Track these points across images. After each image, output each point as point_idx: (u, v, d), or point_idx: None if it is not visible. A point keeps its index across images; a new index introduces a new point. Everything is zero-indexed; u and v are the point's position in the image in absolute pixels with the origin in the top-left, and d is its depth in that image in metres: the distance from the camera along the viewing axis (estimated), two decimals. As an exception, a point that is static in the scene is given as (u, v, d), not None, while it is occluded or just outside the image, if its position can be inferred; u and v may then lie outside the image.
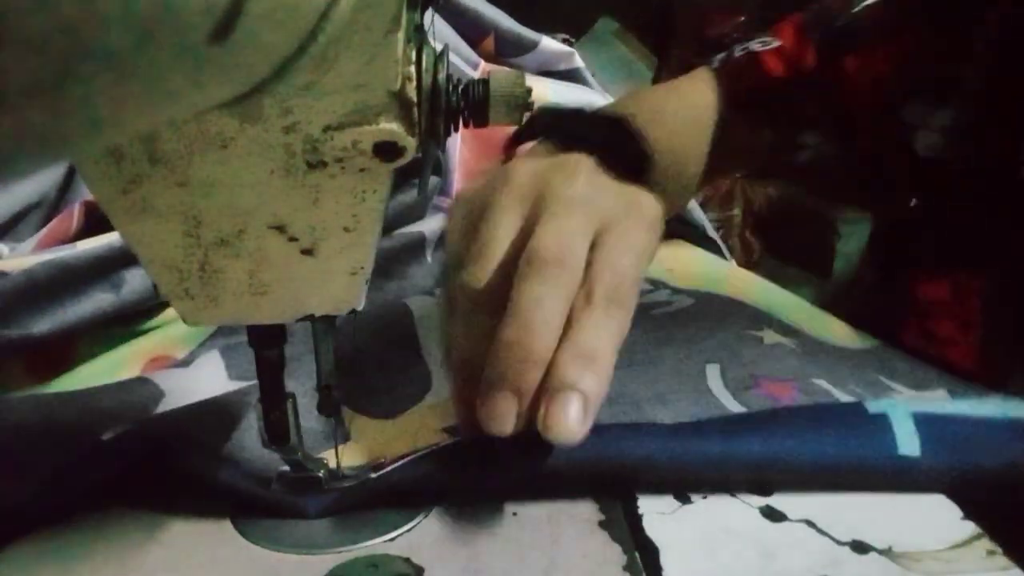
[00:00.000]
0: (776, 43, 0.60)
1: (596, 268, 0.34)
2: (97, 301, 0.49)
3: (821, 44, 0.59)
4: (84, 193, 0.62)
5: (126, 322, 0.51)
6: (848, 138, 0.62)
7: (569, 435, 0.31)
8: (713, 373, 0.43)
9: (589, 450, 0.33)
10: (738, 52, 0.61)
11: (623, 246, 0.35)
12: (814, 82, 0.59)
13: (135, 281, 0.50)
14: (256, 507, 0.34)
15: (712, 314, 0.51)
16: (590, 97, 0.81)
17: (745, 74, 0.61)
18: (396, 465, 0.35)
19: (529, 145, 0.46)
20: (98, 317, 0.49)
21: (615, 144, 0.45)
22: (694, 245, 0.67)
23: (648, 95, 0.63)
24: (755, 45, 0.61)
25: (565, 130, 0.45)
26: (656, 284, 0.56)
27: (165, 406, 0.41)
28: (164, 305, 0.52)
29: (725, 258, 0.71)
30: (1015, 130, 0.50)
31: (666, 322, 0.50)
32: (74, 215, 0.56)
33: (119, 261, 0.49)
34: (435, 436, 0.38)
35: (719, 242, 0.73)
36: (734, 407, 0.40)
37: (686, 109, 0.60)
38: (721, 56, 0.63)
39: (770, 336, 0.48)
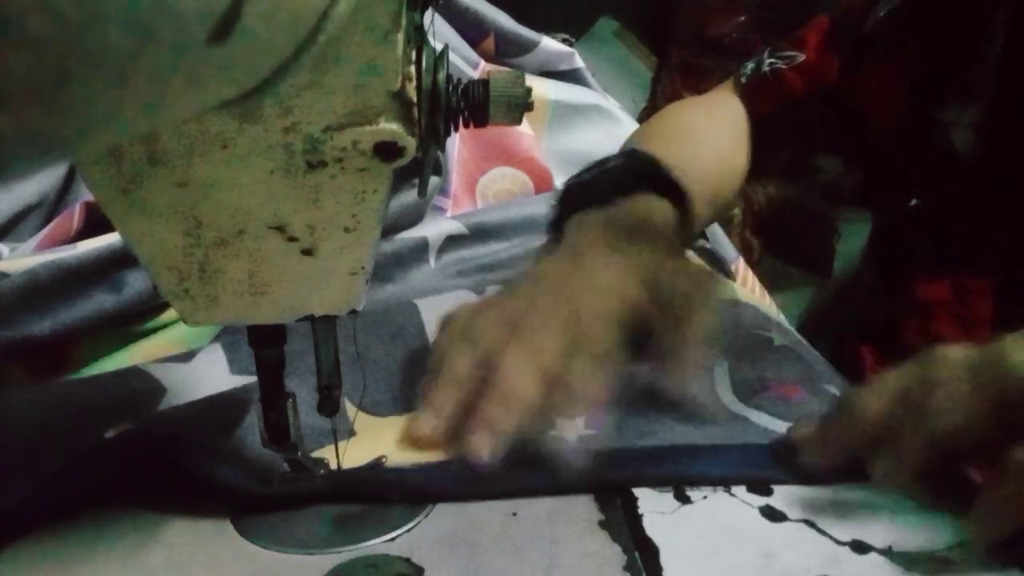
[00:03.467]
0: (800, 58, 0.62)
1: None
2: (98, 302, 0.49)
3: (846, 54, 0.60)
4: (85, 193, 0.62)
5: (127, 323, 0.51)
6: (868, 155, 0.62)
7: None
8: (720, 373, 0.43)
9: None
10: (765, 67, 0.63)
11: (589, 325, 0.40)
12: (835, 96, 0.60)
13: (136, 282, 0.50)
14: (257, 506, 0.34)
15: (721, 315, 0.51)
16: (590, 97, 0.81)
17: (768, 93, 0.63)
18: (397, 471, 0.36)
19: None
20: (99, 318, 0.49)
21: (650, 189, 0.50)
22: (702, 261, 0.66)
23: (678, 117, 0.66)
24: (779, 62, 0.63)
25: (597, 198, 0.50)
26: None
27: (167, 403, 0.41)
28: (165, 306, 0.52)
29: (730, 259, 0.70)
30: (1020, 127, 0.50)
31: None
32: (74, 216, 0.55)
33: (120, 262, 0.49)
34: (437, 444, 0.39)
35: (725, 241, 0.73)
36: (740, 411, 0.40)
37: (718, 127, 0.64)
38: (751, 67, 0.65)
39: (779, 338, 0.48)
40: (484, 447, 0.35)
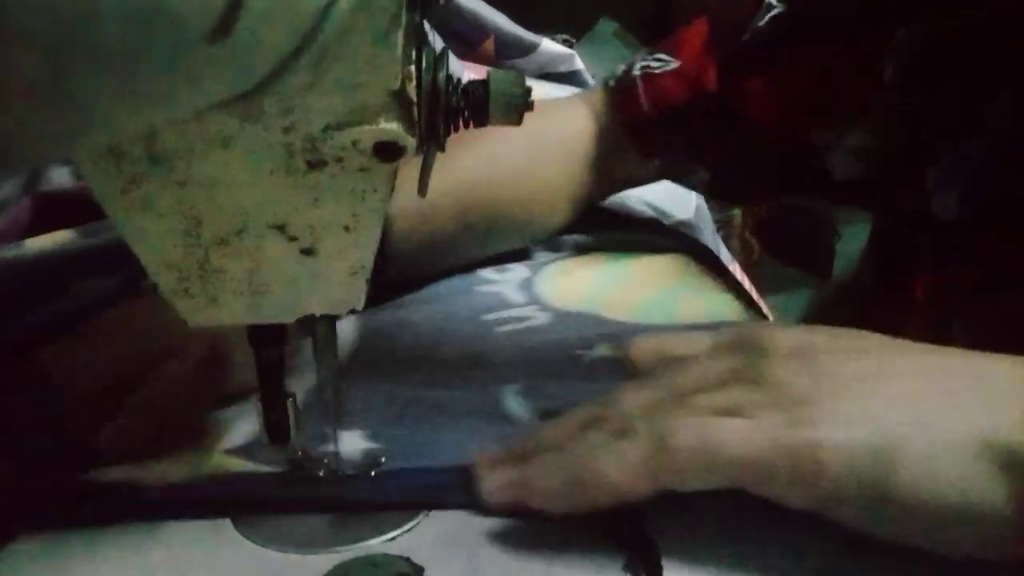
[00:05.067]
0: (675, 64, 0.58)
1: None
2: (46, 304, 0.47)
3: (725, 64, 0.57)
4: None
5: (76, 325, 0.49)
6: (743, 169, 0.59)
7: None
8: (509, 394, 0.42)
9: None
10: (637, 70, 0.59)
11: None
12: (712, 108, 0.57)
13: (83, 284, 0.48)
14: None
15: (554, 331, 0.50)
16: None
17: (635, 100, 0.59)
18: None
19: None
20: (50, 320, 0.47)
21: None
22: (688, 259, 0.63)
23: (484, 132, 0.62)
24: (653, 63, 0.58)
25: None
26: (535, 301, 0.55)
27: None
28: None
29: (720, 251, 0.69)
30: (922, 157, 0.49)
31: (499, 340, 0.48)
32: (24, 210, 0.53)
33: (68, 264, 0.47)
34: None
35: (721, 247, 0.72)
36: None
37: (548, 143, 0.59)
38: (621, 70, 0.61)
39: (598, 351, 0.46)
40: None
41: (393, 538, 0.33)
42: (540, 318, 0.52)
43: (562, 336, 0.49)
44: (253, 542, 0.33)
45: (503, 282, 0.57)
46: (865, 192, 0.53)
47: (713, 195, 0.67)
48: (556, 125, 0.60)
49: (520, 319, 0.52)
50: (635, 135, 0.59)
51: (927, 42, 0.49)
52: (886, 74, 0.50)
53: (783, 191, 0.61)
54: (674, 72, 0.57)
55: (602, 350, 0.46)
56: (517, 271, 0.58)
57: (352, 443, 0.38)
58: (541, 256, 0.61)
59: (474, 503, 0.34)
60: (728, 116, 0.57)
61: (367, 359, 0.47)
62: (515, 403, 0.41)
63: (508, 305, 0.53)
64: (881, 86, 0.50)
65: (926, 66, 0.49)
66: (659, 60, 0.58)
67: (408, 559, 0.31)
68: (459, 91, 0.28)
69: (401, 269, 0.54)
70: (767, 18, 0.55)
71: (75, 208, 0.51)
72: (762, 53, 0.55)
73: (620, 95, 0.59)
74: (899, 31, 0.50)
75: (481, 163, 0.57)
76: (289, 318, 0.32)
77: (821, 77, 0.53)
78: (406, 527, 0.33)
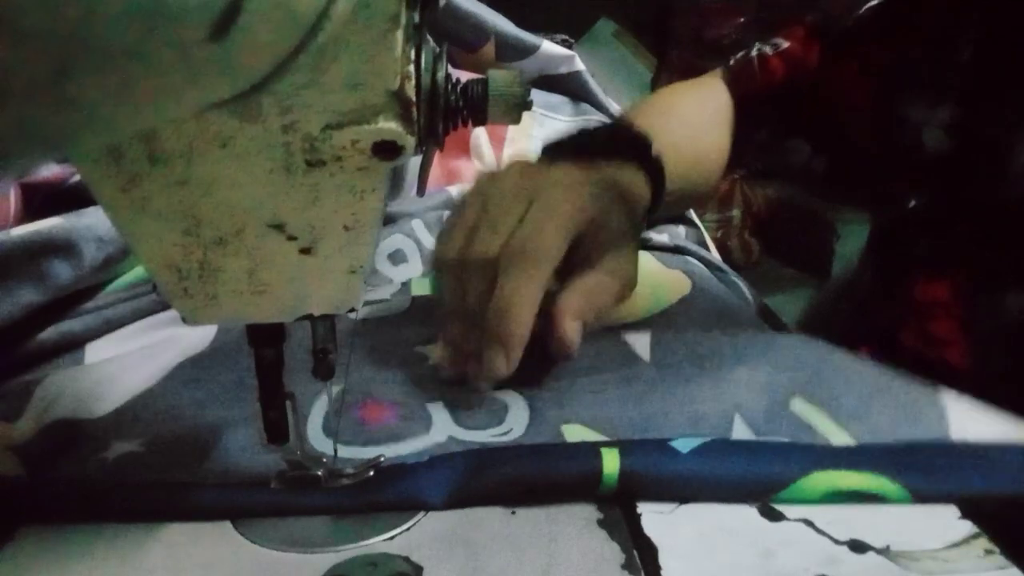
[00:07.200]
0: (784, 44, 0.64)
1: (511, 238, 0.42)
2: (21, 294, 0.46)
3: (826, 44, 0.62)
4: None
5: (56, 314, 0.48)
6: (838, 145, 0.64)
7: (497, 376, 0.40)
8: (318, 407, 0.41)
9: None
10: (753, 53, 0.66)
11: (539, 215, 0.42)
12: (814, 83, 0.62)
13: (62, 273, 0.47)
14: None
15: (404, 321, 0.50)
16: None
17: (750, 76, 0.65)
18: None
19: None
20: (24, 311, 0.46)
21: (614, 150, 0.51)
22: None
23: (664, 98, 0.69)
24: (767, 48, 0.65)
25: (577, 155, 0.50)
26: (406, 289, 0.55)
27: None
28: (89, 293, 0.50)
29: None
30: (999, 130, 0.51)
31: (355, 327, 0.48)
32: (11, 199, 0.52)
33: (46, 250, 0.46)
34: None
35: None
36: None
37: (703, 109, 0.66)
38: (739, 55, 0.67)
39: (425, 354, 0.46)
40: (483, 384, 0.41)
41: (392, 537, 0.33)
42: (400, 304, 0.52)
43: (402, 328, 0.49)
44: (252, 542, 0.33)
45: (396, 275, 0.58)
46: (950, 169, 0.55)
47: (810, 181, 0.71)
48: (713, 96, 0.67)
49: (379, 301, 0.53)
50: (742, 110, 0.65)
51: (998, 25, 0.53)
52: (963, 54, 0.53)
53: (876, 169, 0.65)
54: (781, 53, 0.64)
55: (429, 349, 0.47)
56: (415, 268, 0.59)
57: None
58: None
59: (472, 501, 0.34)
60: (826, 93, 0.62)
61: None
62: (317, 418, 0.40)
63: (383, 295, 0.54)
64: (960, 66, 0.54)
65: (997, 48, 0.52)
66: (773, 44, 0.65)
67: (407, 558, 0.31)
68: (458, 90, 0.28)
69: None
70: (864, 8, 0.61)
71: (61, 195, 0.51)
72: (859, 37, 0.61)
73: (736, 74, 0.67)
74: (974, 15, 0.53)
75: (690, 131, 0.63)
76: (288, 317, 0.32)
77: (907, 53, 0.57)
78: (405, 526, 0.33)
